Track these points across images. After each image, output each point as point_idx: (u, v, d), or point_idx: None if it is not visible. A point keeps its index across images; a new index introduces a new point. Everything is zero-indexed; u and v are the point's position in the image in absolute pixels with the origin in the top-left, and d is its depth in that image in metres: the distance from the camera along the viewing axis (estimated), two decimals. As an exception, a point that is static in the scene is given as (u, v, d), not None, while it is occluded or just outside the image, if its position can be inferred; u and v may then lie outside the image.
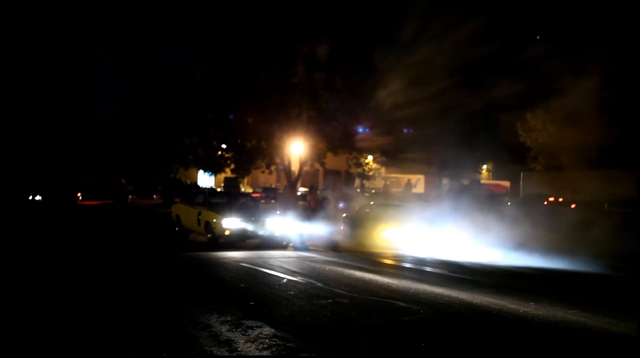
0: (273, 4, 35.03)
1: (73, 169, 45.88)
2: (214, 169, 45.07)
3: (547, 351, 8.43)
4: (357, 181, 43.65)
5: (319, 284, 12.61)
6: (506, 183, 61.13)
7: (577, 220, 26.63)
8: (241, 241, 20.75)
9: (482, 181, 59.61)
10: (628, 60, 27.11)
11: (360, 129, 39.40)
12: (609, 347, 8.74)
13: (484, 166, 66.45)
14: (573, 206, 39.78)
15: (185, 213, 22.92)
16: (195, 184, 51.42)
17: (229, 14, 36.48)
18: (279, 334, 8.40)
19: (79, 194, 41.75)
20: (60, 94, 52.99)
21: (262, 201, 35.93)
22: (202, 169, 47.33)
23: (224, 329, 8.59)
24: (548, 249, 19.64)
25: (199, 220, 21.40)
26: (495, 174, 67.89)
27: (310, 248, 20.70)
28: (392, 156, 43.63)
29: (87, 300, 10.60)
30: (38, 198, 40.11)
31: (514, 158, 53.84)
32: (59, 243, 19.39)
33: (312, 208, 22.76)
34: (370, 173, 42.09)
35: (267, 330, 8.57)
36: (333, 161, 42.93)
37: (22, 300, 10.47)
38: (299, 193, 35.17)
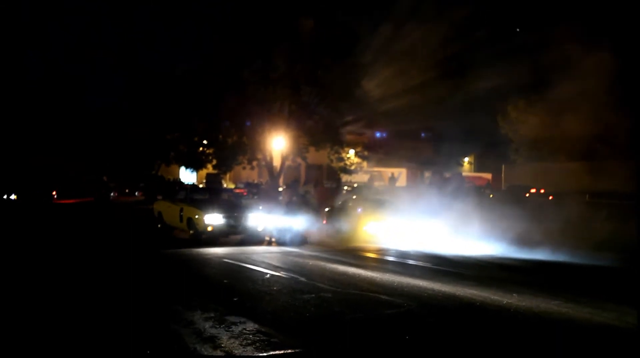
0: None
1: (50, 166, 45.47)
2: (195, 166, 44.88)
3: (530, 341, 8.46)
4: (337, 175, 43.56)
5: (303, 279, 12.62)
6: (488, 175, 61.34)
7: (558, 211, 26.76)
8: (224, 237, 20.70)
9: (464, 174, 59.74)
10: (611, 51, 27.20)
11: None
12: (591, 336, 8.78)
13: (466, 159, 66.63)
14: (550, 198, 39.95)
15: (168, 210, 22.82)
16: (177, 181, 51.26)
17: (215, 9, 36.26)
18: (262, 329, 8.39)
19: (54, 193, 41.17)
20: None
21: (246, 196, 35.81)
22: (184, 165, 47.13)
23: (207, 325, 8.58)
24: (530, 240, 19.70)
25: (181, 217, 21.31)
26: (477, 166, 68.11)
27: (288, 243, 20.61)
28: (374, 150, 43.62)
29: (69, 298, 10.55)
30: (13, 197, 39.36)
31: (495, 150, 54.00)
32: (36, 244, 19.24)
33: (291, 202, 22.70)
34: (352, 167, 42.02)
35: (251, 326, 8.56)
36: (315, 156, 42.87)
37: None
38: (280, 189, 35.13)
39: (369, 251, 19.20)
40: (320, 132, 37.57)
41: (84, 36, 66.99)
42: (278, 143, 37.94)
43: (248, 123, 36.38)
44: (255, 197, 33.33)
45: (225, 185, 49.25)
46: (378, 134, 48.37)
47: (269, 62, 34.31)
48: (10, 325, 8.72)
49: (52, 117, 50.91)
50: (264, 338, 8.01)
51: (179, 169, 55.54)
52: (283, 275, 13.17)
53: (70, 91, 53.45)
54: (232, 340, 7.88)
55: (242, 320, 8.88)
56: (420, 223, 21.33)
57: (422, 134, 43.90)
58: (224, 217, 20.41)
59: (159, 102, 40.77)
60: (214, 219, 20.16)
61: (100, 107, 51.62)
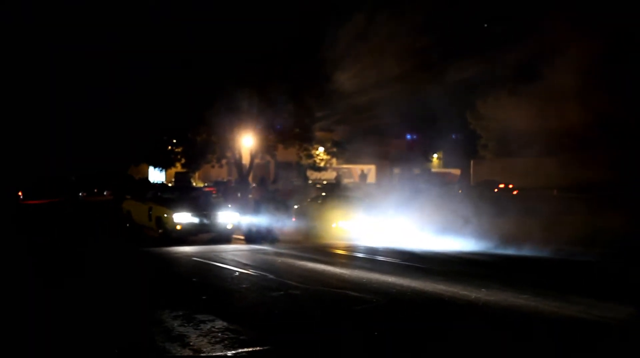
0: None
1: (16, 166, 44.76)
2: (164, 165, 44.64)
3: (499, 335, 8.50)
4: (307, 173, 43.62)
5: (271, 276, 12.60)
6: (457, 171, 61.66)
7: (526, 206, 27.01)
8: (193, 235, 20.59)
9: (433, 170, 60.06)
10: (579, 47, 27.43)
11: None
12: (558, 328, 8.84)
13: (435, 155, 66.96)
14: (515, 192, 40.40)
15: (136, 209, 22.68)
16: (145, 180, 50.90)
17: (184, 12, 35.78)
18: (231, 327, 8.36)
19: (20, 193, 40.64)
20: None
21: (215, 195, 35.71)
22: (153, 164, 46.88)
23: (175, 324, 8.54)
24: (498, 235, 19.82)
25: (150, 216, 21.18)
26: (445, 162, 68.40)
27: (258, 241, 20.57)
28: (344, 147, 43.77)
29: (37, 296, 10.44)
30: None
31: (464, 145, 54.32)
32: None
33: (258, 200, 22.68)
34: (322, 164, 42.19)
35: (220, 324, 8.53)
36: (284, 153, 42.91)
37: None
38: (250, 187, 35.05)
39: (338, 248, 19.21)
40: (289, 129, 37.58)
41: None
42: (247, 141, 37.88)
43: (217, 121, 36.19)
44: (220, 195, 33.17)
45: (194, 184, 49.02)
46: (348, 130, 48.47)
47: (237, 61, 34.15)
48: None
49: (17, 116, 50.13)
50: (233, 336, 7.98)
51: (148, 168, 55.16)
52: (252, 273, 13.14)
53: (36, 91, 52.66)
54: (200, 338, 7.85)
55: (211, 318, 8.85)
56: (390, 219, 21.42)
57: (392, 130, 44.03)
58: (193, 215, 20.30)
59: (127, 100, 40.36)
60: (182, 218, 20.05)
61: (68, 106, 50.83)
